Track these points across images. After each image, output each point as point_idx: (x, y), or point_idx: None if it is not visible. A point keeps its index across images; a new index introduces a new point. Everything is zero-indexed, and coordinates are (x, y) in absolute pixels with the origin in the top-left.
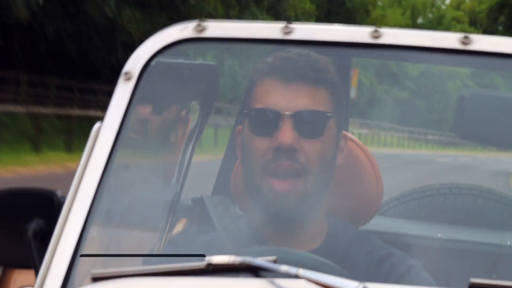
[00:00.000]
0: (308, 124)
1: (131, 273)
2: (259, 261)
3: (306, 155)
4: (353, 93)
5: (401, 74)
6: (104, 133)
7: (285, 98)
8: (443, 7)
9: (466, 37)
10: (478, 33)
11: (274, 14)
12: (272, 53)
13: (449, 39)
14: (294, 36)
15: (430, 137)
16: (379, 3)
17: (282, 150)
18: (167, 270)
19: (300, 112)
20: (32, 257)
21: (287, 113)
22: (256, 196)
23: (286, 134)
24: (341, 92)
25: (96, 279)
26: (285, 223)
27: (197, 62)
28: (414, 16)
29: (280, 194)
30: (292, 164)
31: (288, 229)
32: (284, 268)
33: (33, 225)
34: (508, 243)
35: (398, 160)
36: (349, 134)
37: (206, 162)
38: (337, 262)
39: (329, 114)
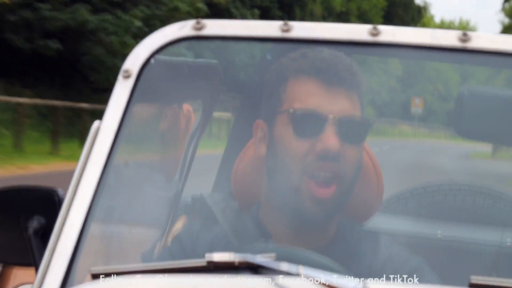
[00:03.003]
0: (351, 129)
1: (131, 270)
2: (260, 259)
3: (346, 160)
4: (420, 112)
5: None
6: (104, 131)
7: (328, 101)
8: None
9: (465, 35)
10: None
11: None
12: (300, 51)
13: (448, 37)
14: (293, 34)
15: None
16: None
17: (328, 154)
18: (168, 267)
19: (344, 117)
20: (33, 254)
21: (332, 116)
22: (287, 196)
23: (332, 138)
24: (363, 97)
25: (96, 276)
26: (307, 224)
27: (198, 60)
28: None
29: (319, 200)
30: (334, 166)
31: (303, 227)
32: (284, 266)
33: (34, 223)
34: (508, 241)
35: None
36: None
37: None
38: (343, 260)
39: (372, 121)
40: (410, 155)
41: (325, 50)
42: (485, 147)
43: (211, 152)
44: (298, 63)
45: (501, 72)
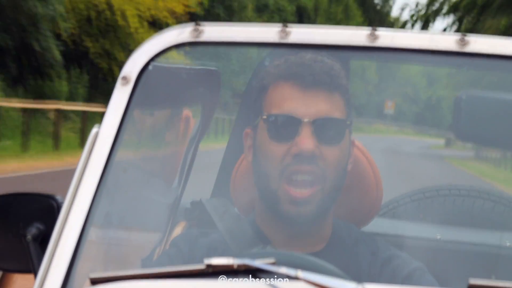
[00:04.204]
0: (327, 131)
1: (130, 275)
2: (258, 263)
3: (325, 161)
4: (392, 113)
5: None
6: (102, 136)
7: (303, 104)
8: None
9: (463, 38)
10: None
11: None
12: (284, 57)
13: (447, 41)
14: (291, 38)
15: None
16: None
17: (303, 156)
18: (166, 272)
19: (320, 119)
20: (31, 261)
21: (307, 119)
22: (269, 200)
23: (307, 141)
24: (351, 98)
25: (95, 282)
26: (296, 228)
27: (197, 66)
28: None
29: (296, 201)
30: (311, 168)
31: (297, 233)
32: (283, 270)
33: (33, 229)
34: (507, 244)
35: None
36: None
37: None
38: (341, 263)
39: (348, 122)
40: (384, 146)
41: (308, 55)
42: (441, 141)
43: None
44: (278, 69)
45: (467, 75)
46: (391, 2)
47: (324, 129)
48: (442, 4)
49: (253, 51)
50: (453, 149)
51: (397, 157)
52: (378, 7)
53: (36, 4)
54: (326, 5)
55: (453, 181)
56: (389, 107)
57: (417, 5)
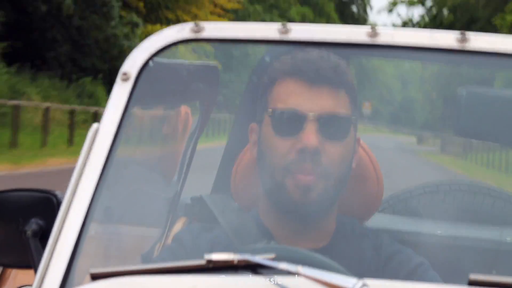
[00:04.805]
0: (332, 127)
1: (130, 270)
2: (259, 258)
3: (329, 157)
4: (369, 113)
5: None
6: (102, 133)
7: (309, 100)
8: None
9: (463, 36)
10: None
11: None
12: (291, 54)
13: (446, 38)
14: (291, 36)
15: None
16: None
17: (307, 152)
18: (166, 267)
19: (324, 115)
20: (32, 256)
21: (312, 114)
22: (274, 193)
23: (311, 136)
24: (357, 95)
25: (95, 277)
26: (300, 220)
27: (196, 62)
28: None
29: (305, 187)
30: (315, 166)
31: (301, 228)
32: (283, 265)
33: (32, 225)
34: (508, 239)
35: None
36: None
37: None
38: (345, 259)
39: (353, 118)
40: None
41: (314, 51)
42: (413, 139)
43: None
44: (284, 65)
45: (441, 77)
46: (366, 15)
47: (329, 125)
48: (414, 26)
49: (253, 48)
50: (423, 145)
51: (377, 152)
52: (356, 16)
53: (124, 40)
54: (311, 17)
55: (420, 168)
56: (367, 107)
57: (393, 25)
